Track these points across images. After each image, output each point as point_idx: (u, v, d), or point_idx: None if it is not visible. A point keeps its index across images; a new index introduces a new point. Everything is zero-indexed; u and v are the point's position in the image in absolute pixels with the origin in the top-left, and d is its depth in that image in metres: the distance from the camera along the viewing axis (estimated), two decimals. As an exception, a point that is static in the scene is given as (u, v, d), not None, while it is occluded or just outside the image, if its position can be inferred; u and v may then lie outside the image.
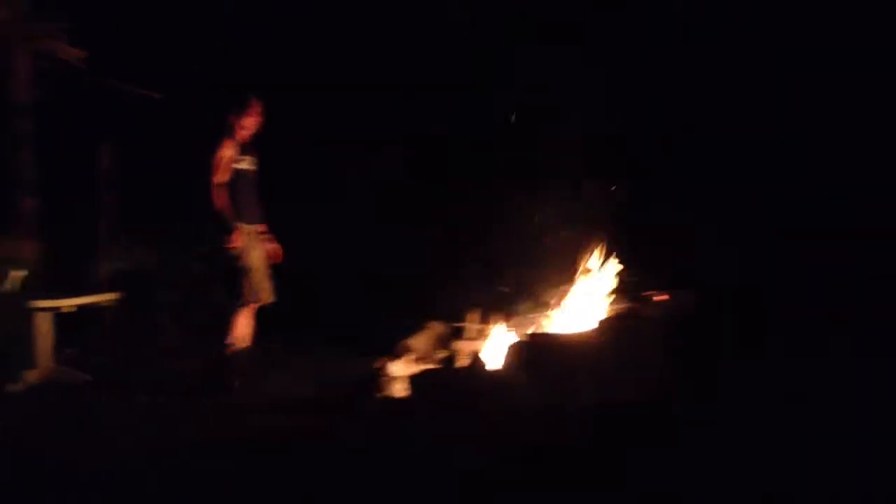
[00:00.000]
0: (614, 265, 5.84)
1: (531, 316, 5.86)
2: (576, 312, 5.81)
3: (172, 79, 7.39)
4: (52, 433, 4.74)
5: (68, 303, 5.86)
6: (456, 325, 6.06)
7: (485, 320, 5.97)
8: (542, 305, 5.92)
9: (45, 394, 5.56)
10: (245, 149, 5.95)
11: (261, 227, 6.02)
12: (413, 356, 5.71)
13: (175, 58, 8.15)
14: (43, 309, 5.74)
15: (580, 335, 5.37)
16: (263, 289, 5.96)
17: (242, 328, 5.91)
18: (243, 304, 5.88)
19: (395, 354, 5.70)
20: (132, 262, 7.04)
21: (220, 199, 5.77)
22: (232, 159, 5.84)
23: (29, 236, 6.33)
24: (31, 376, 5.64)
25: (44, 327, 5.78)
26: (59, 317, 5.91)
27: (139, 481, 3.96)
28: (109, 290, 6.42)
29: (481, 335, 5.85)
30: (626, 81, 7.31)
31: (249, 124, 5.93)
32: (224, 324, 5.87)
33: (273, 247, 6.07)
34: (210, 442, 4.63)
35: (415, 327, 6.01)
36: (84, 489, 3.80)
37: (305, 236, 6.73)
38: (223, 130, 5.88)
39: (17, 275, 5.81)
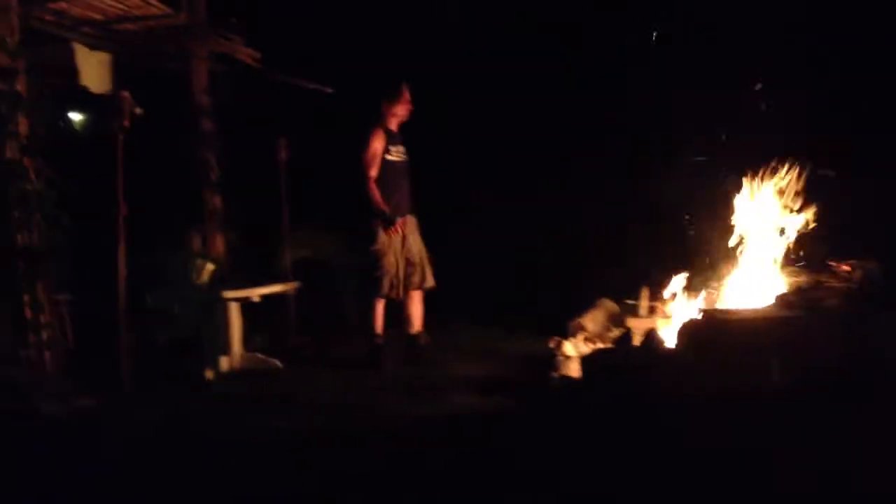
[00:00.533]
0: (794, 232, 5.54)
1: (706, 290, 5.66)
2: (754, 285, 5.57)
3: (343, 73, 7.68)
4: (251, 416, 5.05)
5: (257, 292, 6.19)
6: (628, 301, 5.96)
7: (657, 296, 5.84)
8: (716, 278, 5.70)
9: (239, 379, 5.93)
10: (395, 138, 6.06)
11: (412, 217, 6.11)
12: (586, 335, 5.68)
13: (346, 52, 8.46)
14: (234, 299, 6.11)
15: (760, 310, 5.12)
16: (418, 276, 6.08)
17: (381, 317, 6.06)
18: (380, 296, 6.02)
19: (569, 333, 5.68)
20: (313, 250, 7.36)
21: (372, 190, 5.95)
22: (383, 149, 5.97)
23: (218, 231, 6.77)
24: (225, 363, 6.03)
25: (235, 316, 6.16)
26: (247, 305, 6.27)
27: (346, 460, 4.14)
28: (293, 278, 6.75)
29: (654, 312, 5.73)
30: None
31: (400, 112, 6.04)
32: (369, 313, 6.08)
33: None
34: (401, 420, 4.82)
35: (586, 305, 5.98)
36: (286, 470, 3.98)
37: (476, 216, 6.79)
38: (374, 120, 6.02)
39: (210, 267, 6.21)
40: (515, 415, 4.89)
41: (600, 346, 5.56)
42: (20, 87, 5.21)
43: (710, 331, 5.03)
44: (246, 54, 7.22)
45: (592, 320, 5.85)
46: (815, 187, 5.49)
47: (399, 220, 6.01)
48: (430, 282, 6.16)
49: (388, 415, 4.94)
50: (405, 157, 6.13)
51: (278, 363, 6.18)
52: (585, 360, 5.26)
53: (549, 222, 7.90)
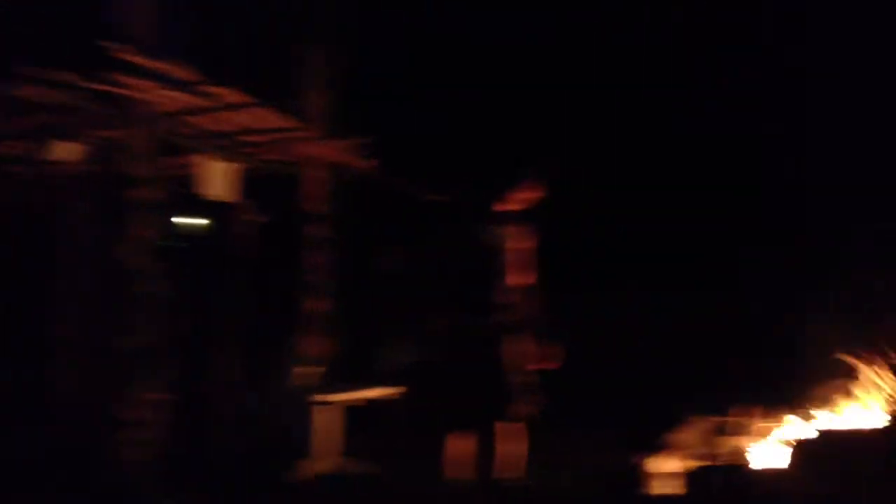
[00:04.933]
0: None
1: (813, 408, 5.36)
2: (868, 403, 5.24)
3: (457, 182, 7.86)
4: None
5: (356, 396, 6.29)
6: (724, 418, 5.70)
7: (757, 413, 5.56)
8: (825, 395, 5.40)
9: (333, 483, 5.98)
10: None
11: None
12: (677, 452, 5.45)
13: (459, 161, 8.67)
14: (333, 402, 6.22)
15: (877, 432, 4.81)
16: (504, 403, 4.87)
17: (454, 448, 4.94)
18: (443, 424, 5.03)
19: (658, 449, 5.48)
20: (418, 356, 7.40)
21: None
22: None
23: (323, 334, 6.96)
24: (320, 466, 6.09)
25: (333, 420, 6.25)
26: (351, 409, 6.35)
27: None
28: (396, 383, 6.80)
29: (754, 431, 5.45)
30: None
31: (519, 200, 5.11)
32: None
33: (544, 347, 4.96)
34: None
35: (679, 419, 5.75)
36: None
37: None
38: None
39: (313, 370, 6.36)
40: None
41: (697, 463, 5.31)
42: (149, 194, 5.58)
43: (822, 451, 4.80)
44: (363, 165, 7.52)
45: (688, 436, 5.60)
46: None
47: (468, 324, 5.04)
48: (519, 410, 4.87)
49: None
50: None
51: (376, 468, 6.19)
52: (682, 477, 5.06)
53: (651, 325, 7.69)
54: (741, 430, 5.53)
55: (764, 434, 5.33)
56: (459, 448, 4.93)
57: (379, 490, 5.86)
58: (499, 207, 5.12)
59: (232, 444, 5.70)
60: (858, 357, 5.25)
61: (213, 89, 5.73)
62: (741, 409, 5.66)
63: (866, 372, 5.20)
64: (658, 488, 5.09)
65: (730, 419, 5.65)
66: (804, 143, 8.14)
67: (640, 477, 5.18)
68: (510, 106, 9.59)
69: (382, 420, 6.93)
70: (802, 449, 4.94)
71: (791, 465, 4.92)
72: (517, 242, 5.09)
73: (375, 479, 6.10)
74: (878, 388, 5.13)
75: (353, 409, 6.41)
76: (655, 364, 7.46)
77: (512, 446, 4.93)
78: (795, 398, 5.60)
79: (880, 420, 4.93)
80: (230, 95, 5.88)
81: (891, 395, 5.08)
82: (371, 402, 6.52)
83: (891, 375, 5.15)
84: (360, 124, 7.25)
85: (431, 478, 5.55)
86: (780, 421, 5.38)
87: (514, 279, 5.03)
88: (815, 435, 5.07)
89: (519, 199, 5.12)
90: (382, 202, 7.92)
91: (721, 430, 5.62)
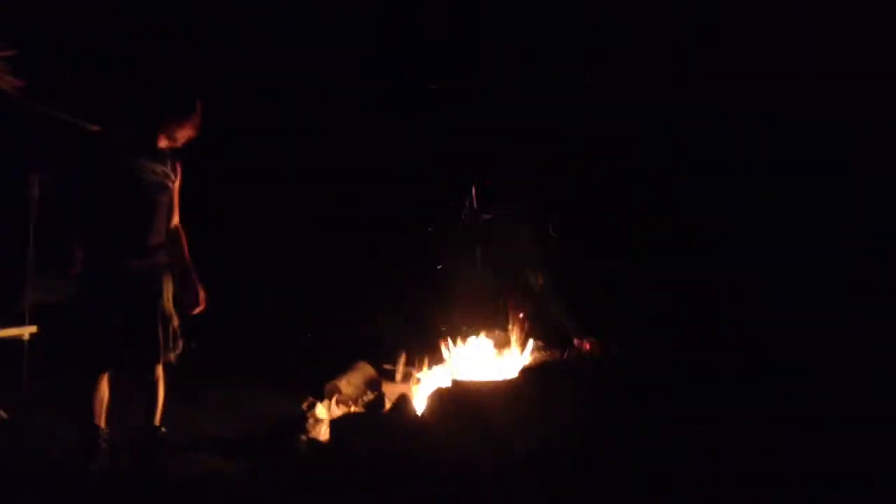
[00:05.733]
0: (543, 309, 5.83)
1: (457, 359, 5.81)
2: (502, 358, 5.79)
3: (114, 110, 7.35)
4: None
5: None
6: (384, 366, 6.00)
7: (413, 363, 5.93)
8: (468, 348, 5.88)
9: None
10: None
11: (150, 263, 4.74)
12: (340, 397, 5.64)
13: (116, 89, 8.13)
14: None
15: (502, 383, 5.31)
16: (143, 347, 4.65)
17: (96, 398, 4.66)
18: (84, 369, 4.70)
19: (322, 395, 5.63)
20: (57, 293, 6.85)
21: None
22: None
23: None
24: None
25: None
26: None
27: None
28: (30, 322, 6.23)
29: (408, 378, 5.80)
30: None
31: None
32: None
33: (193, 291, 4.82)
34: (126, 481, 4.57)
35: (344, 367, 5.94)
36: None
37: (233, 268, 6.56)
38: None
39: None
40: (256, 477, 4.75)
41: (354, 409, 5.53)
42: None
43: (455, 398, 5.18)
44: (8, 82, 6.77)
45: (348, 383, 5.81)
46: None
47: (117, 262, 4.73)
48: (163, 355, 4.71)
49: (111, 474, 4.61)
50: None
51: (2, 413, 5.66)
52: (334, 424, 5.22)
53: (323, 281, 7.83)
54: (399, 378, 5.85)
55: (415, 382, 5.67)
56: (97, 393, 4.71)
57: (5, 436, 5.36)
58: (156, 143, 4.90)
59: None
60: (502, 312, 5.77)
61: None
62: (397, 358, 5.98)
63: (509, 326, 5.74)
64: (320, 433, 5.21)
65: (389, 366, 5.95)
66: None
67: (303, 422, 5.26)
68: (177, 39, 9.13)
69: (15, 362, 6.33)
70: (438, 396, 5.31)
71: (427, 410, 5.27)
72: (172, 181, 4.92)
73: (5, 423, 5.58)
74: (518, 342, 5.69)
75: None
76: (318, 313, 7.59)
77: (154, 392, 4.81)
78: (437, 350, 6.00)
79: (512, 372, 5.43)
80: None
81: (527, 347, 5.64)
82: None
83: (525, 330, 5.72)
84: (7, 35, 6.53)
85: (64, 424, 5.27)
86: (429, 369, 5.73)
87: (167, 218, 4.91)
88: (450, 384, 5.45)
89: (175, 136, 4.90)
90: (34, 124, 7.17)
91: (382, 377, 5.90)
